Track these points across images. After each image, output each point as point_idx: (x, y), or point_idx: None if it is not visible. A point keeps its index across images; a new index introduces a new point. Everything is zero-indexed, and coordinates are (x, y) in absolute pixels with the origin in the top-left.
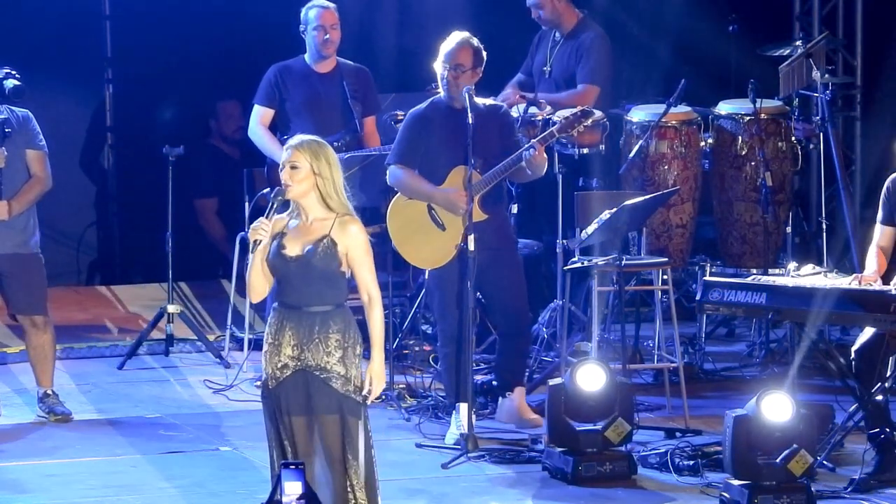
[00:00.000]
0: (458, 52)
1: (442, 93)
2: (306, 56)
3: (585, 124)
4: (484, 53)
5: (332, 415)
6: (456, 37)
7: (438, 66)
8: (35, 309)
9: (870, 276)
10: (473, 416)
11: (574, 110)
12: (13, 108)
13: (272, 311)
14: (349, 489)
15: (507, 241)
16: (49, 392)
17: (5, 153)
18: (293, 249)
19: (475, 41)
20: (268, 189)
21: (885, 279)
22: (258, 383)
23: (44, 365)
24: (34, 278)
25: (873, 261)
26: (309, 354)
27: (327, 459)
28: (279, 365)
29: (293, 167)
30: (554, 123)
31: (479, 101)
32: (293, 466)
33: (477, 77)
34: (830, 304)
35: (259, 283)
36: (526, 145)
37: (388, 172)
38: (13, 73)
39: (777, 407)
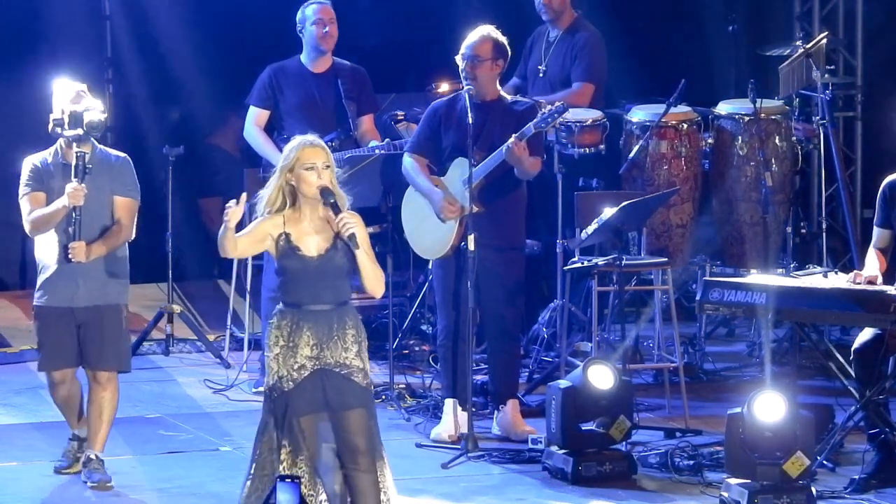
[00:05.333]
0: (476, 44)
1: (464, 86)
2: (302, 56)
3: (575, 128)
4: (507, 46)
5: (359, 409)
6: (478, 29)
7: (458, 58)
8: (102, 364)
9: (871, 275)
10: (464, 415)
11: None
12: (110, 150)
13: (280, 314)
14: (380, 480)
15: (506, 240)
16: (93, 456)
17: (85, 190)
18: (310, 249)
19: (497, 34)
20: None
21: (887, 280)
22: (258, 389)
23: (96, 425)
24: (108, 332)
25: (874, 261)
26: (328, 352)
27: (350, 454)
28: (296, 366)
29: (327, 166)
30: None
31: (508, 97)
32: (289, 480)
33: (498, 69)
34: (830, 304)
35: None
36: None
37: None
38: (94, 106)
39: (770, 406)
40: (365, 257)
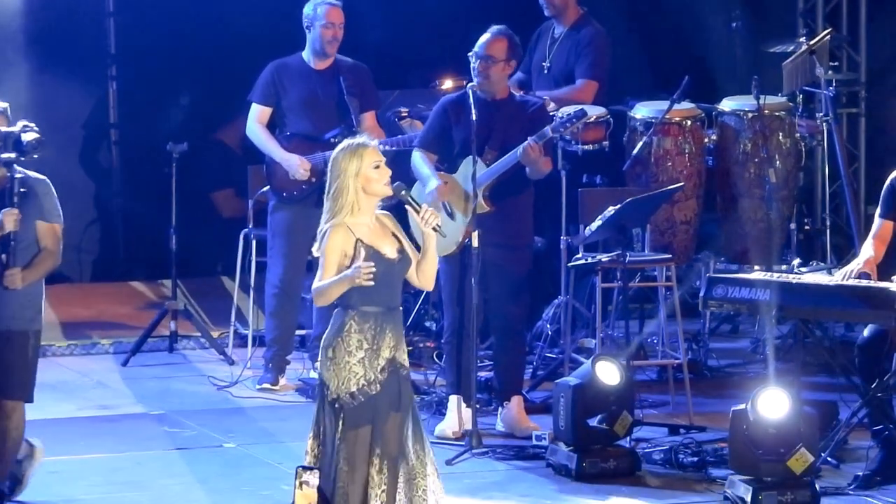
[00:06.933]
0: (490, 44)
1: (475, 83)
2: (304, 53)
3: (579, 126)
4: (520, 47)
5: (403, 413)
6: (493, 28)
7: (471, 56)
8: (7, 393)
9: (860, 265)
10: (468, 412)
11: (571, 111)
12: (29, 173)
13: (359, 317)
14: (422, 477)
15: (515, 239)
16: None
17: (20, 216)
18: (388, 251)
19: (511, 34)
20: (268, 187)
21: (882, 270)
22: (262, 386)
23: None
24: (15, 359)
25: (869, 249)
26: (398, 353)
27: (407, 454)
28: (379, 368)
29: (385, 163)
30: (553, 120)
31: (516, 94)
32: (309, 471)
33: (510, 70)
34: (834, 301)
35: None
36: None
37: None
38: (31, 125)
39: (774, 403)
40: (435, 249)
